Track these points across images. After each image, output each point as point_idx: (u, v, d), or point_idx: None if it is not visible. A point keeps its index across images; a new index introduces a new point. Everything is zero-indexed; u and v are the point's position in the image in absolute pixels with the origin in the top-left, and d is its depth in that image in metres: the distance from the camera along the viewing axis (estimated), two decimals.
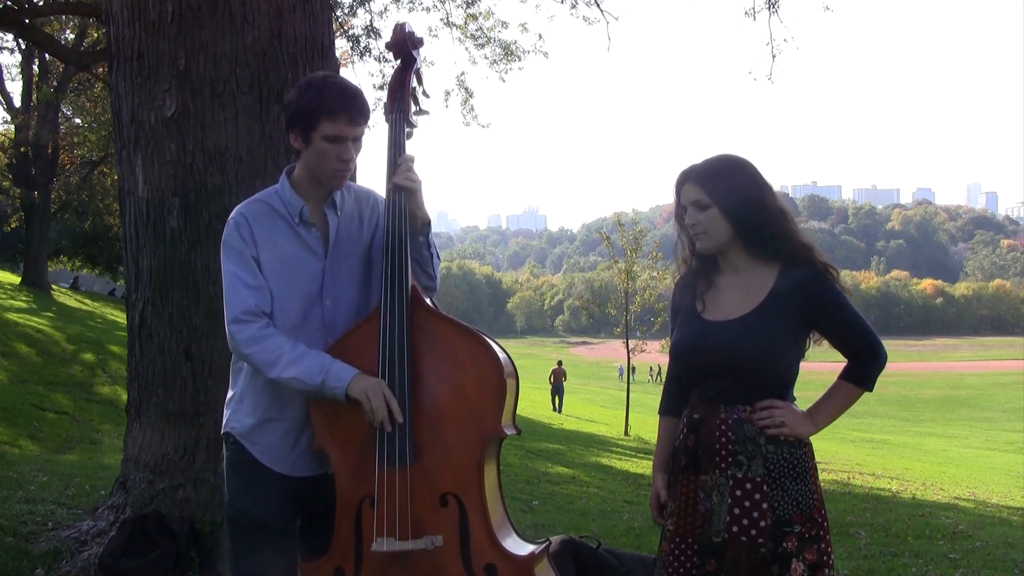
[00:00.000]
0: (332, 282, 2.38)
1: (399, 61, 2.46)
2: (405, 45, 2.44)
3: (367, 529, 2.25)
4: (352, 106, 2.26)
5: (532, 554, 2.27)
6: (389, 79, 2.48)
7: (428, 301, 2.36)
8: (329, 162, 2.29)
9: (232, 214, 2.36)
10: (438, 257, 2.51)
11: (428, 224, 2.43)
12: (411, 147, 2.40)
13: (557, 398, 26.12)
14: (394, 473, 2.22)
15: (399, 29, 2.45)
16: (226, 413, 2.44)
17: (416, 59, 2.47)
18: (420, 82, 2.50)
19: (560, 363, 28.24)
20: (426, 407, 2.27)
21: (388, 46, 2.50)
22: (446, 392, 2.29)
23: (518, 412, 2.40)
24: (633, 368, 52.85)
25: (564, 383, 26.54)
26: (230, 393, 2.44)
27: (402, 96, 2.41)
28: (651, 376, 50.18)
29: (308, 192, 2.37)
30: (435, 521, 2.24)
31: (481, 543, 2.24)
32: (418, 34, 2.48)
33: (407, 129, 2.42)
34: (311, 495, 2.40)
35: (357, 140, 2.31)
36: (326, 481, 2.35)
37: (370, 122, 2.51)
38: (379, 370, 2.25)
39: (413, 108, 2.46)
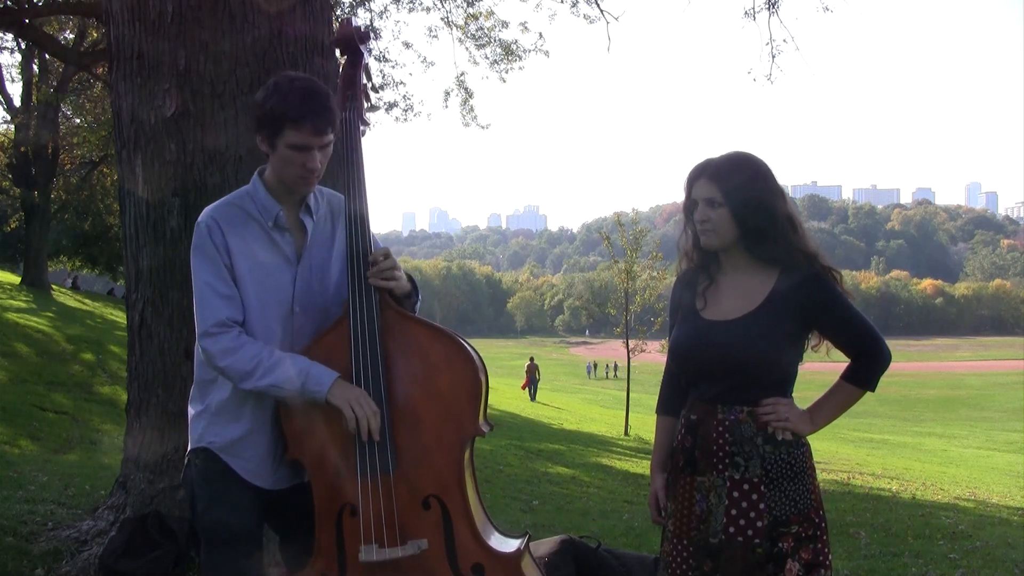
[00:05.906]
0: (303, 289, 2.30)
1: (346, 57, 2.40)
2: (352, 40, 2.39)
3: (350, 537, 2.21)
4: (317, 114, 2.15)
5: (518, 550, 2.26)
6: (339, 77, 2.43)
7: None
8: (294, 169, 2.20)
9: (201, 217, 2.25)
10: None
11: (409, 295, 2.34)
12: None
13: (531, 389, 29.72)
14: (376, 481, 2.19)
15: (345, 24, 2.41)
16: (197, 428, 2.33)
17: (365, 55, 2.41)
18: (369, 78, 2.45)
19: (532, 359, 32.13)
20: (403, 411, 2.23)
21: (334, 43, 2.43)
22: (422, 395, 2.24)
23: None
24: (595, 364, 54.81)
25: (538, 377, 30.59)
26: (199, 407, 2.34)
27: (354, 94, 2.36)
28: (607, 372, 53.68)
29: (282, 195, 2.29)
30: (418, 525, 2.21)
31: (466, 543, 2.22)
32: (364, 29, 2.42)
33: (361, 127, 2.37)
34: (282, 502, 2.35)
35: (325, 147, 2.21)
36: (299, 489, 2.31)
37: None
38: (353, 376, 2.20)
39: (365, 105, 2.41)
